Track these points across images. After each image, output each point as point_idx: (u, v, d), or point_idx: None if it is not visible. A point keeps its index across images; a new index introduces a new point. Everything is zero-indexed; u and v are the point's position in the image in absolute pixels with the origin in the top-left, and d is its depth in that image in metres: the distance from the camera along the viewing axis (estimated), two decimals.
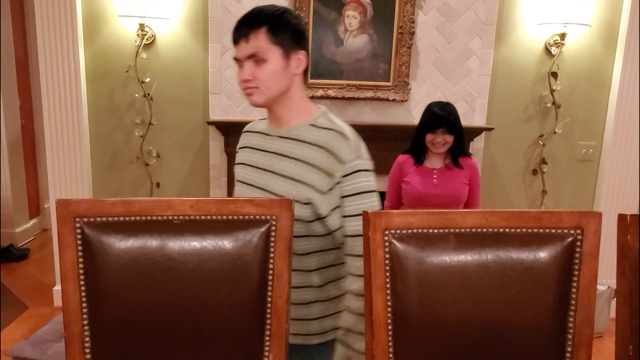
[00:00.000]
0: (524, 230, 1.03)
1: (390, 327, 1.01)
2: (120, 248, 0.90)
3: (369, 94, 2.77)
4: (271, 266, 0.98)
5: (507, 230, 1.03)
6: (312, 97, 2.75)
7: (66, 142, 2.72)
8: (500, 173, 2.92)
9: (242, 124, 2.69)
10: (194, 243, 0.94)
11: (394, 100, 2.77)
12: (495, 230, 1.03)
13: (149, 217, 0.94)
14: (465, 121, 2.81)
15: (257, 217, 0.98)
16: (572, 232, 1.02)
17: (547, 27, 2.69)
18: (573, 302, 1.03)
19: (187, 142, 2.88)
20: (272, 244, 0.98)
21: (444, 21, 2.72)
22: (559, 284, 1.03)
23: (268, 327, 1.00)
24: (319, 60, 2.73)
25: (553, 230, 1.03)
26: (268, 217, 0.98)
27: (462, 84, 2.78)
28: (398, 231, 1.01)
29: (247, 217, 0.98)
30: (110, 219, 0.94)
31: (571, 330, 1.03)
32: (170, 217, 0.94)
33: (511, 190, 2.94)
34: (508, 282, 1.02)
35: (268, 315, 1.00)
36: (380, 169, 2.80)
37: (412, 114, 2.82)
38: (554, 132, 2.78)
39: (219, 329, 0.95)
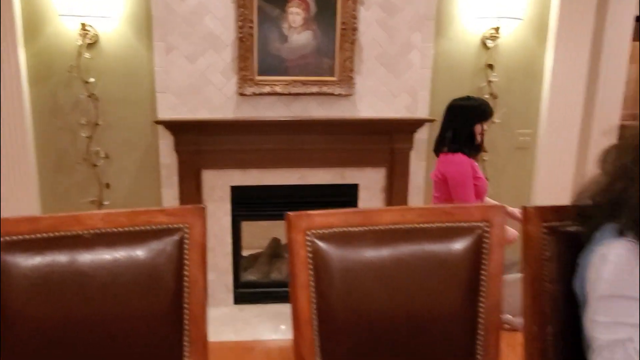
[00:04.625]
0: (438, 224, 1.11)
1: (315, 323, 1.08)
2: (27, 267, 0.91)
3: (315, 89, 2.82)
4: (186, 274, 1.03)
5: (422, 225, 1.11)
6: (260, 95, 2.79)
7: (9, 145, 2.67)
8: None
9: (192, 123, 2.74)
10: (106, 256, 0.97)
11: (339, 94, 2.83)
12: (411, 225, 1.11)
13: (57, 234, 0.96)
14: (408, 113, 2.92)
15: (170, 226, 1.02)
16: (480, 224, 1.11)
17: (482, 21, 2.80)
18: (483, 289, 1.12)
19: (135, 141, 2.86)
20: (186, 252, 1.02)
21: (385, 16, 2.78)
22: (470, 273, 1.12)
23: (186, 333, 1.04)
24: (265, 57, 2.76)
25: (463, 224, 1.11)
26: (181, 226, 1.03)
27: (404, 77, 2.86)
28: (319, 231, 1.07)
29: (160, 226, 1.01)
30: (14, 237, 0.94)
31: (482, 316, 1.12)
32: (80, 232, 0.96)
33: None
34: (424, 274, 1.11)
35: (186, 322, 1.04)
36: (329, 161, 2.91)
37: (357, 108, 2.89)
38: (493, 122, 2.90)
39: (137, 340, 0.99)
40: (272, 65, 2.79)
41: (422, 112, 2.91)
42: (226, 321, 2.94)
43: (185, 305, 1.06)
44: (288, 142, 2.89)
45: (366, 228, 1.09)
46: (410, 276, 1.10)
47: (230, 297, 3.12)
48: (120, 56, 2.74)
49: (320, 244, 1.06)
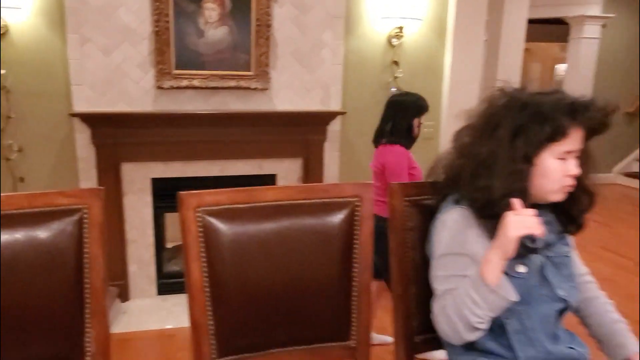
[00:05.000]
0: (315, 200, 1.27)
1: (207, 290, 1.21)
2: None
3: (232, 83, 2.93)
4: (87, 251, 1.13)
5: (301, 201, 1.27)
6: (178, 88, 2.86)
7: None
8: (356, 151, 3.24)
9: (109, 116, 2.76)
10: (6, 236, 1.05)
11: (255, 88, 2.95)
12: (292, 202, 1.26)
13: None
14: (322, 106, 3.09)
15: (70, 207, 1.12)
16: (352, 200, 1.28)
17: (387, 20, 3.02)
18: (355, 255, 1.30)
19: (51, 135, 2.85)
20: (85, 231, 1.13)
21: (298, 14, 2.93)
22: (344, 242, 1.29)
23: (88, 306, 1.14)
24: (182, 51, 2.83)
25: (338, 199, 1.28)
26: (80, 207, 1.13)
27: (317, 73, 3.03)
28: (209, 208, 1.20)
29: (60, 208, 1.11)
30: None
31: (355, 278, 1.30)
32: None
33: (366, 165, 3.28)
34: (304, 244, 1.26)
35: (87, 295, 1.14)
36: (248, 153, 3.03)
37: (273, 102, 3.03)
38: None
39: (42, 314, 1.08)
40: (190, 60, 2.86)
41: (334, 106, 3.10)
42: (150, 311, 3.00)
43: (87, 280, 1.15)
44: (208, 134, 2.98)
45: (251, 205, 1.24)
46: (293, 246, 1.25)
47: (154, 288, 3.17)
48: (32, 48, 2.72)
49: (210, 219, 1.19)
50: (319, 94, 3.06)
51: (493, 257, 1.02)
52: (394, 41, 3.08)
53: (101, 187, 1.17)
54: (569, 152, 1.11)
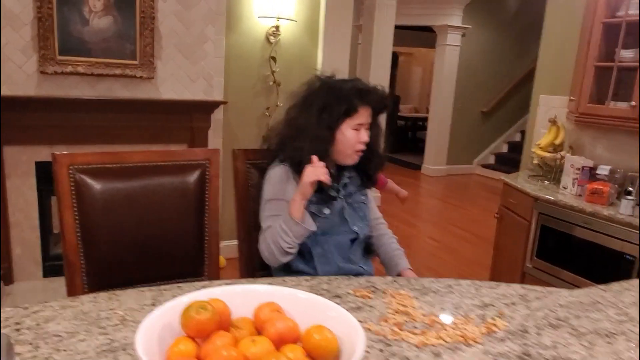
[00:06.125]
0: (173, 162, 1.57)
1: (79, 234, 1.46)
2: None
3: (118, 71, 3.10)
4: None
5: (162, 163, 1.55)
6: (62, 74, 2.98)
7: None
8: (239, 139, 3.55)
9: None
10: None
11: (141, 77, 3.14)
12: (154, 163, 1.55)
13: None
14: (205, 96, 3.36)
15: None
16: (203, 162, 1.59)
17: (265, 19, 3.36)
18: (207, 208, 1.61)
19: None
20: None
21: (181, 9, 3.18)
22: (198, 197, 1.59)
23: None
24: (67, 37, 2.95)
25: (192, 162, 1.58)
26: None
27: (201, 64, 3.29)
28: (80, 166, 1.45)
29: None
30: None
31: (207, 227, 1.61)
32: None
33: None
34: (165, 199, 1.55)
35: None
36: (135, 139, 3.21)
37: (159, 90, 3.24)
38: (277, 105, 3.49)
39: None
40: (75, 46, 2.99)
41: (217, 96, 3.37)
42: (34, 292, 3.07)
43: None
44: (95, 120, 3.12)
45: (120, 165, 1.50)
46: (155, 200, 1.53)
47: (39, 270, 3.24)
48: None
49: (81, 175, 1.44)
50: (203, 84, 3.32)
51: (296, 198, 1.39)
52: (272, 38, 3.43)
53: None
54: (360, 125, 1.51)
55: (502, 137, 7.68)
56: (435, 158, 7.32)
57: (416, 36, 8.42)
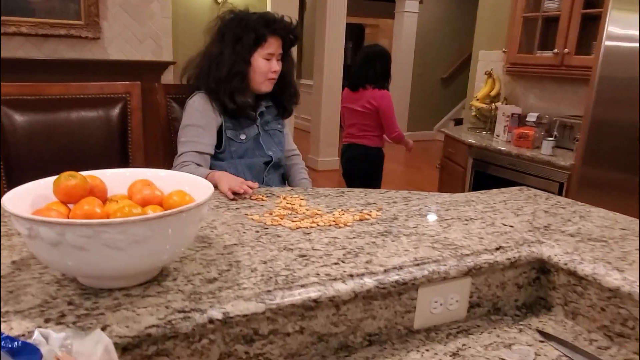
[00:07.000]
0: (97, 95, 1.64)
1: (1, 164, 1.53)
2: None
3: (63, 31, 3.13)
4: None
5: (85, 96, 1.63)
6: (5, 34, 3.00)
7: None
8: None
9: None
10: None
11: (86, 37, 3.18)
12: (76, 96, 1.62)
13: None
14: (154, 57, 3.40)
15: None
16: (124, 95, 1.67)
17: None
18: (130, 140, 1.69)
19: None
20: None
21: None
22: (121, 127, 1.68)
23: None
24: None
25: (114, 95, 1.66)
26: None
27: (148, 25, 3.33)
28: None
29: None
30: None
31: (131, 159, 1.70)
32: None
33: None
34: (87, 133, 1.63)
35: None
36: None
37: (107, 51, 3.28)
38: None
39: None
40: (17, 6, 3.01)
41: (166, 56, 3.43)
42: None
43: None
44: (42, 81, 3.14)
45: (40, 97, 1.57)
46: (77, 132, 1.61)
47: None
48: None
49: (3, 107, 1.51)
50: (151, 44, 3.37)
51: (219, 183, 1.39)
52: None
53: None
54: (271, 54, 1.60)
55: (461, 102, 7.85)
56: None
57: (382, 7, 8.48)
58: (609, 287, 0.91)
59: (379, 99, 2.91)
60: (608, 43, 2.12)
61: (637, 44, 2.03)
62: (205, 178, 1.40)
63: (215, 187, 1.35)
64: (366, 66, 2.95)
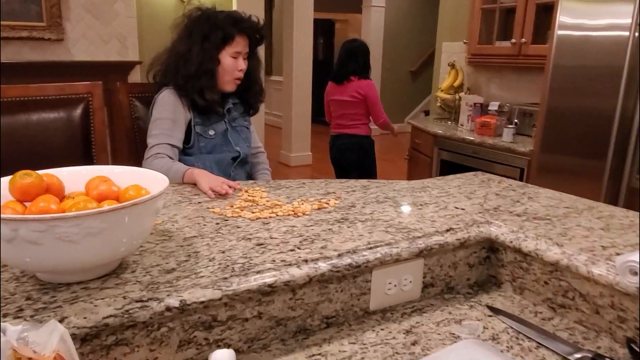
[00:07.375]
0: (57, 97, 1.64)
1: None
2: None
3: (24, 33, 3.08)
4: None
5: (45, 97, 1.63)
6: None
7: None
8: None
9: None
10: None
11: (49, 39, 3.14)
12: (36, 98, 1.61)
13: None
14: (120, 57, 3.38)
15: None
16: (86, 96, 1.68)
17: None
18: (93, 141, 1.70)
19: None
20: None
21: None
22: (83, 130, 1.68)
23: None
24: None
25: (77, 96, 1.66)
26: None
27: (113, 25, 3.31)
28: None
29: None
30: None
31: (95, 159, 1.70)
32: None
33: None
34: (49, 135, 1.62)
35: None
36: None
37: (71, 52, 3.24)
38: None
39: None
40: None
41: (132, 56, 3.40)
42: None
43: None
44: (6, 84, 3.09)
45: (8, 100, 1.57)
46: (39, 134, 1.61)
47: None
48: None
49: None
50: (116, 45, 3.34)
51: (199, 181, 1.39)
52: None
53: None
54: (238, 53, 1.63)
55: (431, 94, 7.97)
56: None
57: (350, 2, 8.53)
58: (550, 261, 0.97)
59: (365, 87, 3.08)
60: (560, 32, 2.21)
61: (587, 32, 2.12)
62: (184, 175, 1.44)
63: (194, 184, 1.38)
64: (349, 60, 3.11)
